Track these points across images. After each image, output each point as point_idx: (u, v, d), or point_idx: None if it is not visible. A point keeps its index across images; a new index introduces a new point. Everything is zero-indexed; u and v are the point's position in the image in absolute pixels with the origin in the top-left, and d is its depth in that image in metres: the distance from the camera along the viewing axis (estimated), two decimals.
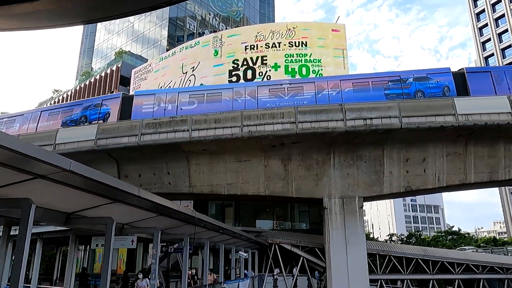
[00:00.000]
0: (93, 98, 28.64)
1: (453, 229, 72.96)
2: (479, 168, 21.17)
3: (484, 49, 78.97)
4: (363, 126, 20.10)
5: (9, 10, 3.45)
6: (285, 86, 23.43)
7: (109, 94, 45.51)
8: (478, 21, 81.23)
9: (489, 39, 77.99)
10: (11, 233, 9.68)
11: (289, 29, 36.03)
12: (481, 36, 79.84)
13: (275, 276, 25.08)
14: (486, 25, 79.22)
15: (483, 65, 76.88)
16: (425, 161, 21.48)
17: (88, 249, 29.29)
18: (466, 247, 49.05)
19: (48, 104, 53.63)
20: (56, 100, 56.76)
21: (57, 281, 24.70)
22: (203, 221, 12.60)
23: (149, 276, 12.19)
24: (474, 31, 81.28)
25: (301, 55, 34.60)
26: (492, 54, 76.97)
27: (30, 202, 5.90)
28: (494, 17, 77.76)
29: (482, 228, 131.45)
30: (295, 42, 35.12)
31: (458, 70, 23.05)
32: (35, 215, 5.97)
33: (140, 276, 12.58)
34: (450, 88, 22.11)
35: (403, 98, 21.47)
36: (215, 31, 47.09)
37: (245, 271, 22.99)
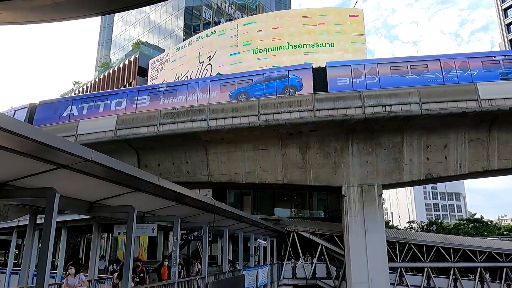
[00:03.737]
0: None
1: (475, 216, 71.46)
2: (503, 154, 20.63)
3: (508, 31, 76.10)
4: (382, 113, 19.80)
5: (30, 3, 3.51)
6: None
7: (128, 85, 46.12)
8: (502, 2, 78.15)
9: None
10: (37, 222, 9.99)
11: (306, 15, 35.54)
12: (505, 18, 76.92)
13: (297, 264, 25.14)
14: (511, 6, 76.20)
15: (507, 48, 74.36)
16: (446, 148, 21.06)
17: (111, 237, 30.03)
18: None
19: (70, 95, 54.70)
20: (77, 91, 57.82)
21: (82, 267, 25.43)
22: (222, 209, 12.72)
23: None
24: (498, 12, 78.31)
25: (316, 46, 34.13)
26: None
27: (54, 191, 6.08)
28: None
29: (505, 215, 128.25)
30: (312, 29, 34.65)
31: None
32: (60, 204, 6.16)
33: (72, 271, 9.18)
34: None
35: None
36: (231, 20, 46.87)
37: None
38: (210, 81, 25.19)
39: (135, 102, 24.70)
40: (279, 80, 23.62)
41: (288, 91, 23.07)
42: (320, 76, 23.18)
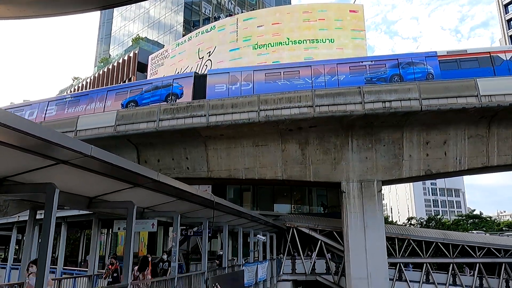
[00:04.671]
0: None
1: (475, 212, 71.67)
2: (502, 150, 20.65)
3: (509, 27, 75.89)
4: (382, 109, 19.79)
5: None
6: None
7: (127, 81, 46.06)
8: None
9: None
10: (37, 217, 10.00)
11: (306, 11, 35.40)
12: (506, 13, 76.66)
13: (313, 258, 25.26)
14: (511, 1, 75.91)
15: (508, 44, 74.19)
16: (446, 144, 21.07)
17: (110, 232, 30.08)
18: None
19: (69, 92, 54.63)
20: (76, 87, 57.72)
21: (82, 263, 25.53)
22: (222, 205, 12.73)
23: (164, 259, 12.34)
24: (499, 8, 78.04)
25: (316, 41, 34.04)
26: None
27: (54, 186, 6.08)
28: None
29: (504, 211, 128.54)
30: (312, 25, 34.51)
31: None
32: (59, 199, 6.16)
33: (33, 269, 7.42)
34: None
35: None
36: (230, 15, 46.72)
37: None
38: (108, 90, 26.74)
39: (45, 112, 26.49)
40: (164, 88, 24.93)
41: (170, 98, 24.27)
42: (202, 83, 24.17)
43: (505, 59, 21.70)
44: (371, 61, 23.81)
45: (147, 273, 11.12)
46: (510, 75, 20.40)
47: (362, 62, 23.92)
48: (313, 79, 22.83)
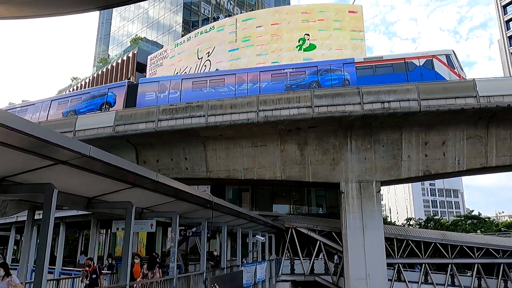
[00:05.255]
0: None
1: (473, 213, 71.73)
2: (501, 151, 20.68)
3: (508, 28, 76.07)
4: (381, 109, 19.80)
5: None
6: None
7: (125, 80, 46.00)
8: None
9: None
10: (35, 218, 9.98)
11: (305, 11, 35.40)
12: (505, 14, 76.83)
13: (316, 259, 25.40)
14: (510, 2, 76.09)
15: (506, 45, 74.35)
16: (445, 145, 21.09)
17: (109, 232, 30.06)
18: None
19: (68, 91, 54.55)
20: (75, 87, 57.63)
21: (80, 263, 25.47)
22: (220, 205, 12.72)
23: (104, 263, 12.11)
24: (498, 9, 78.20)
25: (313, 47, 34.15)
26: None
27: (52, 187, 6.07)
28: None
29: (503, 212, 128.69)
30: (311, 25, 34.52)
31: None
32: (58, 199, 6.15)
33: (0, 273, 7.02)
34: (117, 101, 25.06)
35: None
36: (230, 15, 46.70)
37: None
38: (52, 100, 27.81)
39: None
40: (100, 97, 25.89)
41: (104, 107, 25.19)
42: (134, 91, 24.96)
43: (418, 65, 22.55)
44: (292, 69, 24.77)
45: (156, 271, 11.13)
46: (424, 80, 21.07)
47: (283, 69, 24.98)
48: (236, 86, 23.89)
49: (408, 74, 22.20)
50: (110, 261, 16.56)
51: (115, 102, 25.19)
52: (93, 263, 10.76)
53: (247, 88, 23.59)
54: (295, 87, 23.26)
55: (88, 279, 10.31)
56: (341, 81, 23.14)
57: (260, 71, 24.63)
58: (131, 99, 24.82)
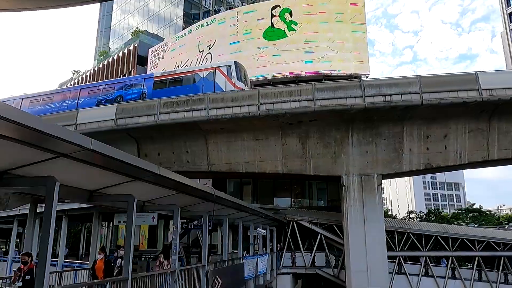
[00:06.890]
0: None
1: (474, 206, 71.82)
2: (503, 144, 20.62)
3: (511, 20, 75.46)
4: (383, 102, 19.74)
5: None
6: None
7: (127, 74, 45.95)
8: None
9: None
10: (37, 211, 10.03)
11: (307, 4, 35.18)
12: (508, 6, 76.17)
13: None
14: None
15: (509, 38, 73.86)
16: (446, 138, 21.04)
17: (111, 225, 30.21)
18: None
19: (68, 85, 54.51)
20: (76, 80, 57.58)
21: (83, 256, 25.66)
22: (222, 198, 12.74)
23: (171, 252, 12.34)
24: (501, 2, 77.50)
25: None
26: None
27: (54, 180, 6.09)
28: None
29: (504, 205, 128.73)
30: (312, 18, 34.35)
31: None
32: (60, 192, 6.17)
33: None
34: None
35: None
36: (231, 8, 46.47)
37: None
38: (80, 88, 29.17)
39: None
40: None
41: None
42: None
43: (202, 76, 24.40)
44: (105, 85, 27.49)
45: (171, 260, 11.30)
46: (205, 92, 22.62)
47: (98, 86, 27.74)
48: (60, 103, 26.68)
49: (193, 86, 24.15)
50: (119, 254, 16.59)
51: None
52: (31, 260, 7.77)
53: (68, 104, 26.25)
54: (104, 101, 25.37)
55: (20, 280, 7.51)
56: (139, 94, 25.21)
57: (80, 88, 27.71)
58: None
